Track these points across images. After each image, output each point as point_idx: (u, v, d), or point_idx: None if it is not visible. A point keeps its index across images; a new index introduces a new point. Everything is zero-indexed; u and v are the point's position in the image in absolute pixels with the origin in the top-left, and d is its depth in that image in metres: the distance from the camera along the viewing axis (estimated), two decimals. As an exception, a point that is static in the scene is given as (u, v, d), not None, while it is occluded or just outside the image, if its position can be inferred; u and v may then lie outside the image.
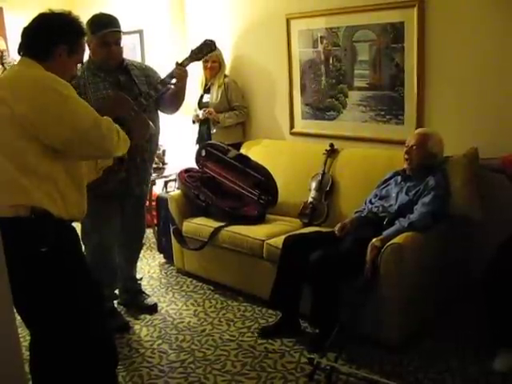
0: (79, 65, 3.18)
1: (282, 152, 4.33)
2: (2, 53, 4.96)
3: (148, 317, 3.59)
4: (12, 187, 2.01)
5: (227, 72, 4.68)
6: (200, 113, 4.57)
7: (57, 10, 2.21)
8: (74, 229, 2.23)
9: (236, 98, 4.58)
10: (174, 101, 3.32)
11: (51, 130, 2.00)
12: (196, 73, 4.36)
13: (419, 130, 3.40)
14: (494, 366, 2.76)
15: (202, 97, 4.67)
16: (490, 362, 2.79)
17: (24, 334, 3.02)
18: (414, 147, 3.22)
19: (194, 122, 4.71)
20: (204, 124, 4.64)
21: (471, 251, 3.42)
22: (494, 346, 2.83)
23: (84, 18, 3.11)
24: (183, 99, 3.36)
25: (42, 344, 2.22)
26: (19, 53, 2.18)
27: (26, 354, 2.34)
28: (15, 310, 1.83)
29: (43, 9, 2.21)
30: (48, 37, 2.13)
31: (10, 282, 1.50)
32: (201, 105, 4.64)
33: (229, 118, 4.53)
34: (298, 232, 3.57)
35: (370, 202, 3.37)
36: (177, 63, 3.16)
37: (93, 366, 2.22)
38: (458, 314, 3.32)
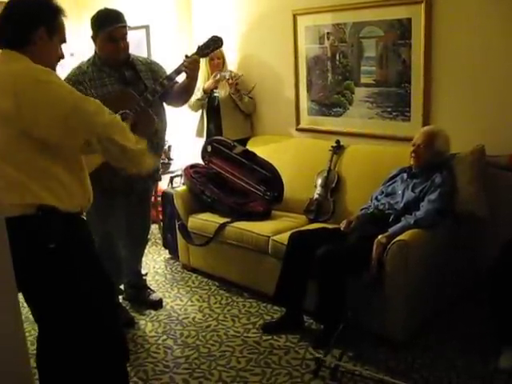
0: (85, 60, 3.20)
1: (288, 148, 4.32)
2: None
3: (153, 312, 3.59)
4: (15, 187, 1.97)
5: (232, 68, 4.68)
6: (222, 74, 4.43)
7: None
8: (84, 221, 2.20)
9: (245, 90, 4.57)
10: (183, 94, 3.32)
11: (42, 120, 1.94)
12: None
13: (426, 128, 3.36)
14: (498, 364, 2.76)
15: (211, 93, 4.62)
16: (495, 360, 2.78)
17: (29, 329, 3.04)
18: (422, 146, 3.20)
19: (203, 90, 4.47)
20: (211, 121, 4.63)
21: (477, 248, 3.41)
22: (499, 344, 2.83)
23: (90, 14, 3.14)
24: (192, 93, 3.38)
25: (51, 339, 2.20)
26: None
27: (31, 348, 2.35)
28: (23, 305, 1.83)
29: None
30: (24, 22, 2.00)
31: (21, 279, 1.49)
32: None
33: (247, 98, 4.54)
34: (303, 228, 3.56)
35: (376, 198, 3.36)
36: (186, 56, 3.16)
37: (103, 361, 2.20)
38: (463, 312, 3.31)
